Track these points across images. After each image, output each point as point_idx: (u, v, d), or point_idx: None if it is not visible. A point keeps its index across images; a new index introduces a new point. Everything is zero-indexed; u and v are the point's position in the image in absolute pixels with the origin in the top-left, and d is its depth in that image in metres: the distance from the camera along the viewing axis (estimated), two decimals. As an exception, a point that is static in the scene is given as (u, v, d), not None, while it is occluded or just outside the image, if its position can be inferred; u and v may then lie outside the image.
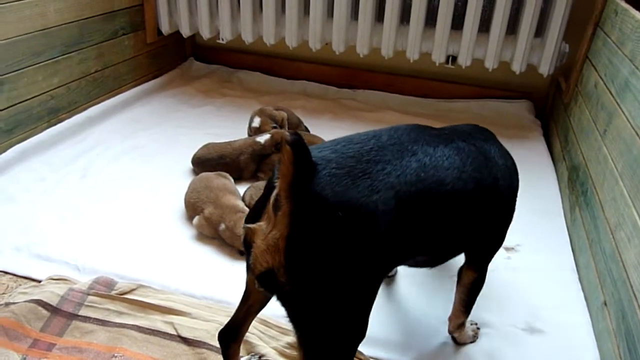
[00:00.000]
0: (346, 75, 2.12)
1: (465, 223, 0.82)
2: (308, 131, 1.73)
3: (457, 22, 1.75)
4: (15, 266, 1.13)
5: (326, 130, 1.79)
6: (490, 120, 1.91)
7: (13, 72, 1.44)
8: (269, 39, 1.93)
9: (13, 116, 1.47)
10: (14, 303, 1.01)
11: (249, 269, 0.75)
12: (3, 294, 1.07)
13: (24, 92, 1.49)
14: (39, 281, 1.09)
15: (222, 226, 1.18)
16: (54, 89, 1.59)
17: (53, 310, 1.00)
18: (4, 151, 1.45)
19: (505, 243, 1.26)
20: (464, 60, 1.77)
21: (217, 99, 2.01)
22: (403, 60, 1.88)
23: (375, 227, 0.65)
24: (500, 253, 1.24)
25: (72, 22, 1.60)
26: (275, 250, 0.64)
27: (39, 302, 1.01)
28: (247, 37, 1.95)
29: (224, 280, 1.11)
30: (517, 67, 1.77)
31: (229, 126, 1.77)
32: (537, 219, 1.38)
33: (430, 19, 1.78)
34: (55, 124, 1.60)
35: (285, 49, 2.00)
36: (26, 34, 1.46)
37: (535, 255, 1.24)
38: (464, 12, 1.73)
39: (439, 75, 2.01)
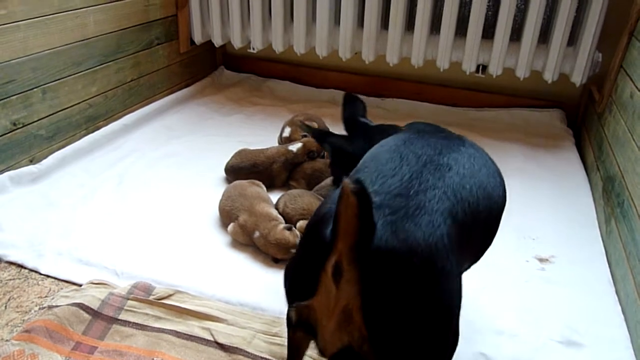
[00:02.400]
0: (375, 83, 2.13)
1: (498, 223, 0.81)
2: (338, 140, 1.74)
3: (488, 31, 1.75)
4: (57, 270, 1.16)
5: (355, 139, 1.81)
6: (520, 129, 1.90)
7: (55, 81, 1.50)
8: (299, 49, 1.96)
9: (54, 124, 1.52)
10: (56, 306, 1.05)
11: (295, 327, 0.69)
12: (46, 297, 1.10)
13: (65, 101, 1.54)
14: (80, 285, 1.13)
15: (257, 234, 1.20)
16: (92, 97, 1.64)
17: (94, 314, 1.03)
18: (45, 157, 1.50)
19: (539, 253, 1.26)
20: (494, 69, 1.76)
21: (248, 107, 2.05)
22: (432, 69, 1.88)
23: (449, 260, 0.60)
24: (534, 264, 1.23)
25: (111, 32, 1.65)
26: (351, 326, 0.56)
27: (81, 306, 1.04)
28: (278, 47, 1.98)
29: (259, 287, 1.13)
30: (548, 76, 1.75)
31: (260, 134, 1.79)
32: (571, 229, 1.36)
33: (461, 28, 1.78)
34: (92, 132, 1.65)
35: (314, 58, 2.02)
36: (68, 44, 1.51)
37: (570, 267, 1.23)
38: (495, 21, 1.73)
39: (469, 84, 2.01)
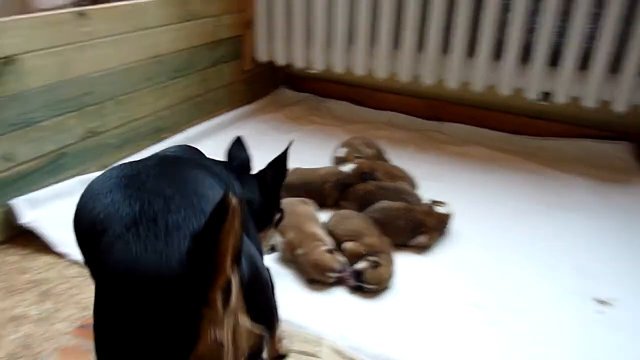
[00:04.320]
0: (433, 107, 2.11)
1: None
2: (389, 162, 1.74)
3: (554, 58, 1.70)
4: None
5: (409, 161, 1.80)
6: (585, 161, 1.81)
7: (128, 93, 1.61)
8: (359, 71, 1.98)
9: (124, 134, 1.63)
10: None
11: None
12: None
13: (135, 113, 1.64)
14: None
15: (299, 251, 1.22)
16: (160, 110, 1.74)
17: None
18: (112, 164, 1.60)
19: (599, 295, 1.19)
20: (559, 98, 1.70)
21: (305, 126, 2.09)
22: (493, 95, 1.84)
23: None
24: (593, 306, 1.16)
25: (182, 50, 1.76)
26: (249, 334, 0.57)
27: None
28: (338, 68, 2.02)
29: (300, 305, 1.14)
30: (619, 106, 1.67)
31: (315, 153, 1.82)
32: (636, 271, 1.28)
33: (525, 55, 1.74)
34: (157, 142, 1.75)
35: (372, 80, 2.04)
36: (142, 60, 1.62)
37: (634, 312, 1.15)
38: (561, 49, 1.67)
39: (530, 111, 1.95)
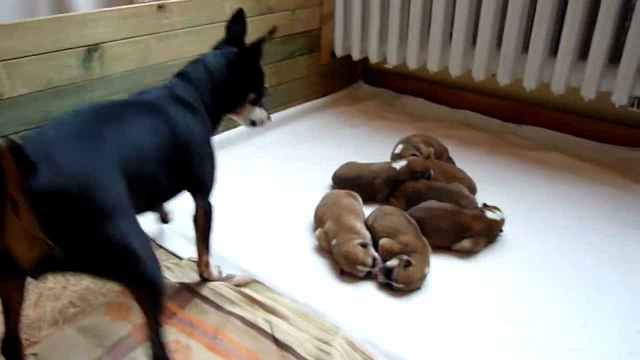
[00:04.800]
0: (512, 108, 1.99)
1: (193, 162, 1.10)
2: (453, 163, 1.68)
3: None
4: (168, 243, 1.35)
5: (478, 164, 1.73)
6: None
7: (203, 82, 1.72)
8: (433, 66, 1.93)
9: (198, 119, 1.76)
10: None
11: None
12: (154, 264, 1.29)
13: (209, 100, 1.76)
14: (181, 258, 1.30)
15: (334, 241, 1.23)
16: (234, 99, 1.85)
17: (182, 283, 1.18)
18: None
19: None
20: (653, 104, 1.52)
21: (376, 121, 2.08)
22: (578, 98, 1.69)
23: (104, 192, 0.81)
24: (634, 340, 1.04)
25: (256, 42, 1.84)
26: (39, 242, 0.72)
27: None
28: (412, 63, 1.98)
29: (327, 293, 1.17)
30: None
31: (379, 147, 1.81)
32: None
33: (614, 55, 1.57)
34: (231, 129, 1.86)
35: (449, 77, 1.97)
36: (218, 51, 1.73)
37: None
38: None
39: (622, 118, 1.75)
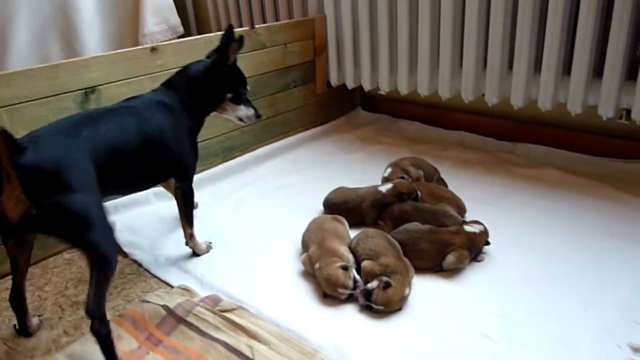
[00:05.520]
0: (506, 127, 2.00)
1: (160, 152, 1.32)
2: (445, 184, 1.69)
3: (632, 72, 1.51)
4: (161, 272, 1.40)
5: (471, 183, 1.74)
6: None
7: (200, 117, 1.81)
8: (423, 91, 1.97)
9: (196, 152, 1.83)
10: (147, 302, 1.27)
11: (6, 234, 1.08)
12: (147, 292, 1.34)
13: (206, 134, 1.83)
14: (172, 286, 1.34)
15: (317, 265, 1.26)
16: (230, 131, 1.92)
17: (169, 311, 1.22)
18: (186, 179, 1.81)
19: (637, 341, 1.04)
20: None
21: (373, 146, 2.12)
22: (567, 113, 1.69)
23: (71, 170, 1.03)
24: (625, 353, 1.02)
25: (249, 77, 1.91)
26: (22, 202, 0.97)
27: (164, 306, 1.24)
28: (403, 89, 2.02)
29: (309, 317, 1.19)
30: None
31: (373, 172, 1.83)
32: None
33: (597, 69, 1.57)
34: (227, 161, 1.93)
35: (445, 100, 2.00)
36: (213, 87, 1.82)
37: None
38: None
39: (614, 130, 1.74)
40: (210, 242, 1.49)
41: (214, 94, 1.40)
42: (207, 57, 1.42)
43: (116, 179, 1.18)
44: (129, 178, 1.24)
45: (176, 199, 1.41)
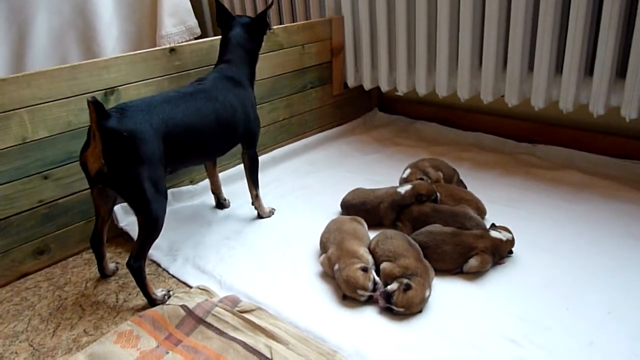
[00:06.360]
0: (526, 128, 1.97)
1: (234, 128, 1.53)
2: (464, 186, 1.67)
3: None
4: (180, 272, 1.40)
5: (490, 185, 1.72)
6: None
7: (217, 118, 1.81)
8: (442, 92, 1.95)
9: (213, 153, 1.83)
10: (167, 304, 1.27)
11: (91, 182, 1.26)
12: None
13: (223, 135, 1.84)
14: (191, 287, 1.34)
15: (336, 266, 1.25)
16: (247, 132, 1.92)
17: (189, 312, 1.22)
18: (202, 180, 1.81)
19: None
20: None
21: (389, 147, 2.11)
22: (589, 114, 1.66)
23: (147, 139, 1.21)
24: None
25: (266, 78, 1.92)
26: (100, 160, 1.16)
27: (183, 306, 1.24)
28: (421, 90, 2.01)
29: (328, 318, 1.18)
30: None
31: (390, 173, 1.83)
32: None
33: (620, 69, 1.54)
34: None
35: (463, 101, 1.98)
36: (230, 88, 1.82)
37: None
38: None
39: (637, 132, 1.71)
40: (273, 208, 1.66)
41: (259, 46, 1.61)
42: (230, 23, 1.57)
43: (193, 155, 1.40)
44: (205, 153, 1.47)
45: (244, 163, 1.60)
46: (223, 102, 1.42)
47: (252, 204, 1.63)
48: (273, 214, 1.65)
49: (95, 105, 1.12)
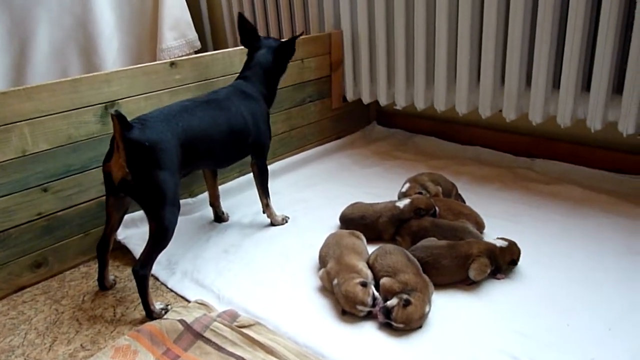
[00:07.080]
0: (524, 143, 1.98)
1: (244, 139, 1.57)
2: (462, 200, 1.67)
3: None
4: (178, 287, 1.40)
5: (488, 200, 1.72)
6: None
7: (216, 131, 1.81)
8: (440, 106, 1.96)
9: (213, 166, 1.83)
10: (165, 318, 1.26)
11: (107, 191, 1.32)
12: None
13: (223, 148, 1.85)
14: (189, 301, 1.33)
15: (335, 281, 1.25)
16: (247, 146, 1.92)
17: (187, 326, 1.21)
18: (201, 193, 1.81)
19: None
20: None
21: (388, 161, 2.11)
22: (587, 129, 1.67)
23: (167, 149, 1.26)
24: None
25: (266, 92, 1.93)
26: (124, 168, 1.21)
27: (181, 321, 1.24)
28: (420, 104, 2.02)
29: (327, 333, 1.17)
30: None
31: (389, 187, 1.83)
32: None
33: (617, 85, 1.56)
34: (244, 174, 1.93)
35: (462, 115, 1.99)
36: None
37: None
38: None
39: (635, 147, 1.72)
40: (287, 216, 1.69)
41: (282, 70, 1.66)
42: (256, 44, 1.62)
43: (205, 159, 1.47)
44: (216, 159, 1.51)
45: (253, 173, 1.63)
46: (235, 112, 1.48)
47: (264, 212, 1.66)
48: (287, 221, 1.67)
49: (119, 118, 1.17)
